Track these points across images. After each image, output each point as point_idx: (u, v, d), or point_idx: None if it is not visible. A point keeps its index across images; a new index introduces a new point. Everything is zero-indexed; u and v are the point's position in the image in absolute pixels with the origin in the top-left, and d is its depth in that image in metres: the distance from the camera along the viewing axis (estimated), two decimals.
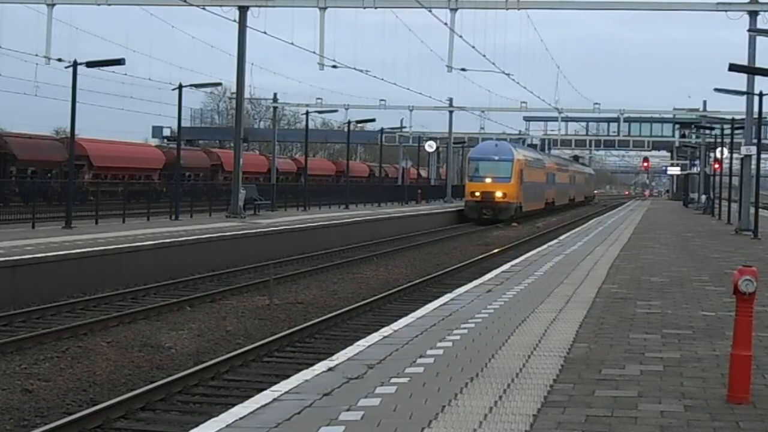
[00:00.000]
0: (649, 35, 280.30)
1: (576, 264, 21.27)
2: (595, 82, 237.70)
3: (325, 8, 38.28)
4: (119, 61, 30.54)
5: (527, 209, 60.46)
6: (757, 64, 35.57)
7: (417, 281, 24.74)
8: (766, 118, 34.73)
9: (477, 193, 56.34)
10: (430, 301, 15.07)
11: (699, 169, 78.07)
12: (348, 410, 7.63)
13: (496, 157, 57.48)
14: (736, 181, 48.32)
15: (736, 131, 44.65)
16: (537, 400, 8.02)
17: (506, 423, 7.28)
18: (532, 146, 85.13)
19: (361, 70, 45.37)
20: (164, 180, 55.93)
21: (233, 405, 8.33)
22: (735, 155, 47.52)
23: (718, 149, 54.03)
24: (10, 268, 19.44)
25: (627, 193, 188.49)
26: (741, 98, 37.27)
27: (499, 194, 55.95)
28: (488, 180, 56.58)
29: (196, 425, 7.57)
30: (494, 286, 16.66)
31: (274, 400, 8.07)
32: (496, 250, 35.24)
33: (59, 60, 37.15)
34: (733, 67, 28.64)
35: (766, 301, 14.28)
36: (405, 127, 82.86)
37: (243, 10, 38.19)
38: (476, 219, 55.17)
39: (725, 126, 48.62)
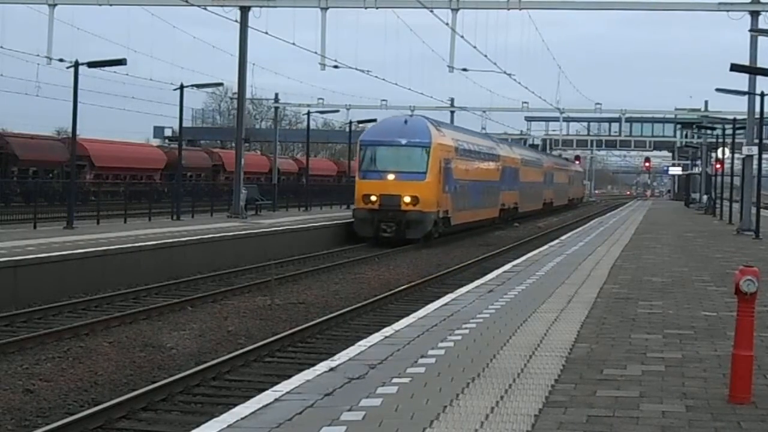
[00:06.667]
0: (651, 35, 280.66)
1: (577, 264, 21.27)
2: (596, 82, 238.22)
3: (327, 8, 38.29)
4: (121, 62, 30.55)
5: (460, 221, 41.79)
6: (759, 64, 35.57)
7: (418, 281, 24.73)
8: (767, 118, 34.72)
9: (373, 198, 37.19)
10: (432, 301, 15.07)
11: (700, 169, 78.09)
12: (349, 410, 7.64)
13: (404, 141, 37.92)
14: (737, 181, 48.33)
15: (738, 131, 44.69)
16: (538, 401, 8.02)
17: (508, 423, 7.28)
18: (533, 146, 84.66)
19: (362, 71, 45.42)
20: (166, 180, 55.96)
21: (235, 405, 8.34)
22: (736, 155, 47.51)
23: (720, 149, 54.03)
24: (11, 268, 19.44)
25: (629, 193, 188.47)
26: (743, 98, 37.31)
27: (407, 199, 36.80)
28: (390, 177, 37.39)
29: (198, 425, 7.57)
30: (496, 286, 16.66)
31: (276, 400, 8.07)
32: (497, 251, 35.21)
33: (61, 60, 37.30)
34: (734, 68, 28.67)
35: None
36: None
37: (244, 10, 38.23)
38: (371, 237, 36.94)
39: (727, 126, 48.64)
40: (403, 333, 11.52)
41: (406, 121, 39.13)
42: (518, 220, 55.20)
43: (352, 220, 38.24)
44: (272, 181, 61.18)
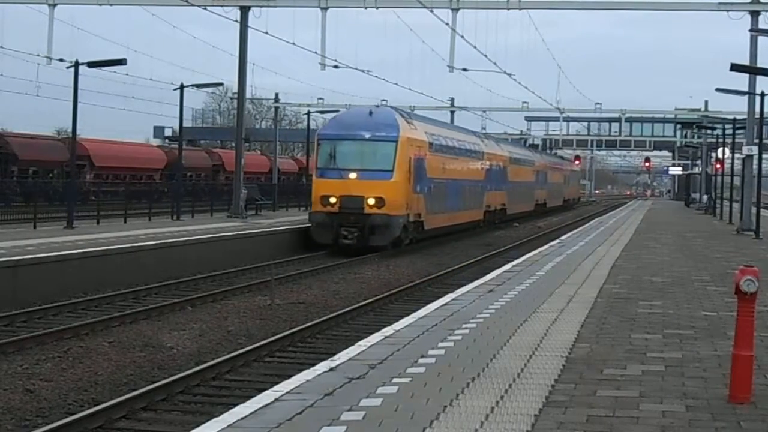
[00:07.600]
0: (651, 35, 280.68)
1: (577, 264, 21.27)
2: (596, 82, 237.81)
3: (327, 8, 38.31)
4: (121, 61, 30.57)
5: (435, 225, 37.64)
6: (759, 64, 35.59)
7: (418, 281, 24.74)
8: (767, 118, 34.74)
9: (332, 199, 32.96)
10: (432, 301, 15.07)
11: (700, 169, 78.11)
12: (349, 410, 7.64)
13: (367, 135, 33.56)
14: (737, 181, 48.35)
15: (738, 131, 44.70)
16: (538, 400, 8.02)
17: (508, 423, 7.28)
18: (534, 146, 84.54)
19: (362, 70, 45.35)
20: (166, 180, 55.97)
21: (235, 405, 8.34)
22: (736, 155, 47.54)
23: (720, 149, 54.06)
24: (11, 268, 19.45)
25: (629, 193, 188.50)
26: (743, 98, 37.33)
27: (371, 201, 32.75)
28: (352, 175, 33.15)
29: (198, 425, 7.57)
30: (496, 286, 16.66)
31: (276, 400, 8.07)
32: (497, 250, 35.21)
33: (61, 60, 37.32)
34: (734, 67, 28.69)
35: None
36: None
37: (244, 10, 38.26)
38: (330, 244, 32.74)
39: (727, 126, 48.66)
40: (403, 333, 11.51)
41: (371, 113, 34.56)
42: (516, 221, 55.04)
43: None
44: (272, 181, 61.20)
